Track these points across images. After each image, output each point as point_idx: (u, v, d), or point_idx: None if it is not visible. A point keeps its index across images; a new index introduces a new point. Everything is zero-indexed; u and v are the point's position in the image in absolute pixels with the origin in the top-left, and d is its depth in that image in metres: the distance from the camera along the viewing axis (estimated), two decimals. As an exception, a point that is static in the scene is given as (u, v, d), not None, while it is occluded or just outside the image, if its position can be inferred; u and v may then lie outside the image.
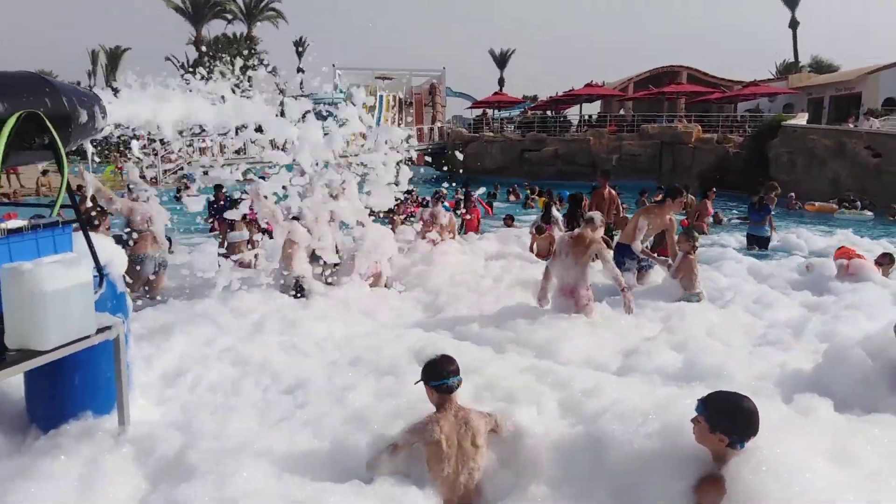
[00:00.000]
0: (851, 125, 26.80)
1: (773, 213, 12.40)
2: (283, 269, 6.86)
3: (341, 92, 51.77)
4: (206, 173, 7.27)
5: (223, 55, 50.16)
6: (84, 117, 3.09)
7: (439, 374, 3.11)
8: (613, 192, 11.25)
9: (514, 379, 4.20)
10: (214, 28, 55.97)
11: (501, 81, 67.57)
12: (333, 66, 55.56)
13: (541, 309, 6.02)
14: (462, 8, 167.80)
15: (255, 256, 8.23)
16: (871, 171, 21.37)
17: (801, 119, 28.65)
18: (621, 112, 36.64)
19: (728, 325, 6.01)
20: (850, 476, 2.77)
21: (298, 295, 6.62)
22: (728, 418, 2.61)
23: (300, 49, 65.76)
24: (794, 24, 51.50)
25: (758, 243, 11.83)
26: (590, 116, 36.68)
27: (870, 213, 17.85)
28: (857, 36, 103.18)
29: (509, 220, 14.03)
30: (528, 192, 21.58)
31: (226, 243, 8.53)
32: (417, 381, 3.16)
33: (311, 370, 4.38)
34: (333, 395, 3.84)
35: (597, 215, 6.31)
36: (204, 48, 52.42)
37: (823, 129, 25.69)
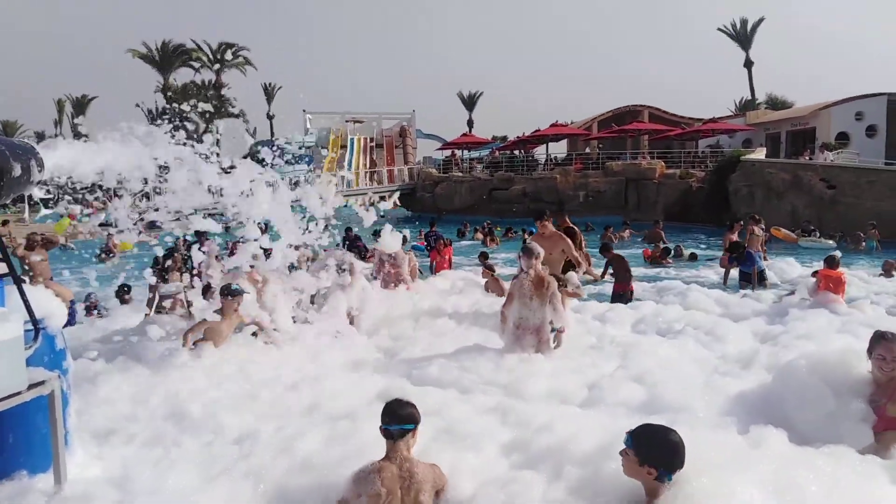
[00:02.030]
0: (807, 158, 27.74)
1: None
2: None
3: (311, 135, 51.69)
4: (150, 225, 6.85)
5: (191, 101, 50.55)
6: (18, 170, 3.06)
7: (385, 417, 3.05)
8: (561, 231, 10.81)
9: (475, 421, 4.18)
10: (183, 76, 56.28)
11: (470, 123, 68.85)
12: (304, 111, 56.25)
13: (505, 349, 6.02)
14: (431, 52, 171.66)
15: (189, 304, 7.55)
16: (827, 203, 22.08)
17: (760, 154, 29.62)
18: (587, 150, 37.45)
19: (680, 359, 6.07)
20: None
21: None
22: (655, 451, 2.63)
23: (269, 94, 66.35)
24: (748, 64, 53.55)
25: (748, 279, 11.11)
26: (555, 156, 37.38)
27: (831, 242, 18.33)
28: (808, 73, 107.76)
29: (483, 258, 14.09)
30: (487, 229, 21.62)
31: (156, 297, 7.77)
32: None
33: (261, 418, 4.29)
34: (280, 443, 3.76)
35: (535, 247, 6.25)
36: (171, 95, 52.55)
37: (780, 162, 26.57)
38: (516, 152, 38.76)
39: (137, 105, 54.61)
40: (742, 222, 13.69)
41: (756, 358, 5.87)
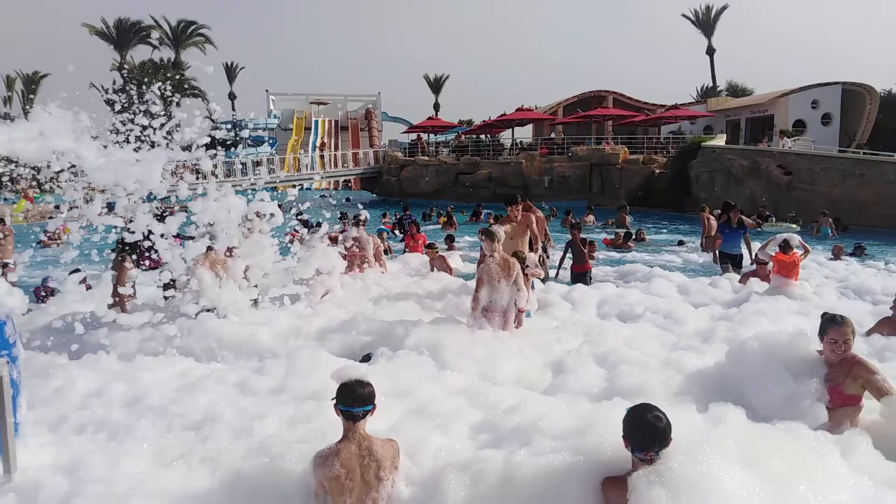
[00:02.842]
0: (765, 145, 28.38)
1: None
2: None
3: (275, 117, 50.84)
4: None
5: (150, 81, 48.94)
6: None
7: (346, 399, 3.04)
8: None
9: (445, 402, 4.21)
10: (140, 53, 54.57)
11: (437, 106, 68.38)
12: (266, 91, 55.14)
13: (474, 330, 6.07)
14: (397, 34, 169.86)
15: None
16: (784, 188, 22.66)
17: (720, 140, 30.20)
18: (552, 135, 37.63)
19: (641, 338, 6.22)
20: (756, 482, 2.85)
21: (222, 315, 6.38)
22: (629, 425, 2.81)
23: (231, 74, 64.75)
24: (710, 51, 54.33)
25: (732, 261, 11.02)
26: (521, 141, 37.48)
27: (796, 227, 18.82)
28: (767, 61, 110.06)
29: (450, 241, 14.13)
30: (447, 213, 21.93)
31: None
32: (333, 398, 3.09)
33: (224, 402, 4.20)
34: (240, 426, 3.70)
35: (497, 230, 6.40)
36: (127, 74, 50.88)
37: (739, 149, 27.12)
38: (482, 136, 38.70)
39: (93, 84, 52.63)
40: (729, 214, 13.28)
41: (713, 338, 5.99)
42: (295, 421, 3.86)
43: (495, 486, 2.96)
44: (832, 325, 3.99)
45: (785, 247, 8.85)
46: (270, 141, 47.68)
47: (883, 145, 29.16)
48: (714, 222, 14.27)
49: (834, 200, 20.94)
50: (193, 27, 55.17)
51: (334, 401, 3.09)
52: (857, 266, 12.23)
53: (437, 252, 10.69)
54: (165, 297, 6.58)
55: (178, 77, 50.68)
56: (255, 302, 6.86)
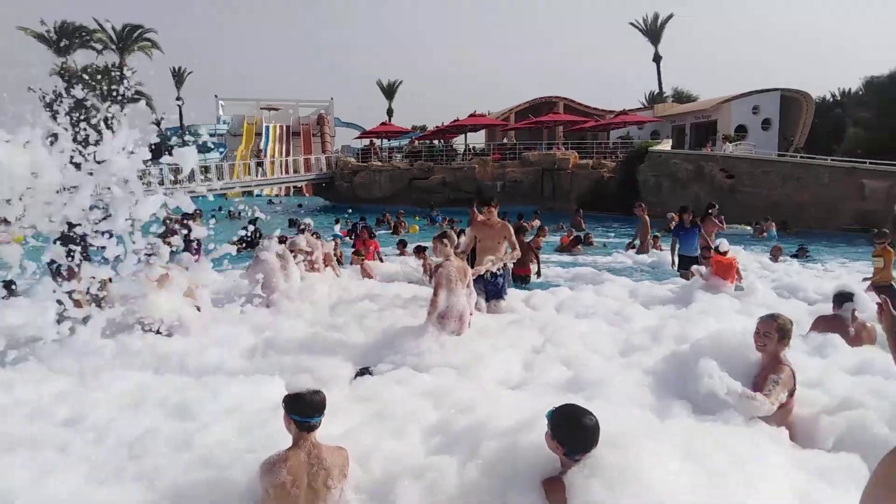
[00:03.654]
0: (709, 150, 29.28)
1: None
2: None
3: (224, 123, 49.80)
4: None
5: (95, 85, 47.25)
6: None
7: (303, 410, 2.98)
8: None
9: (406, 404, 4.21)
10: (83, 58, 52.60)
11: (390, 112, 68.19)
12: (216, 96, 53.99)
13: (430, 334, 6.03)
14: (349, 40, 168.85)
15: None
16: (727, 191, 23.41)
17: (666, 145, 31.04)
18: (504, 141, 37.99)
19: (596, 335, 6.36)
20: (696, 476, 2.90)
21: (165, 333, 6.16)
22: (564, 430, 2.76)
23: (178, 79, 63.19)
24: (657, 58, 55.84)
25: (689, 265, 10.63)
26: (474, 146, 37.70)
27: (749, 228, 19.40)
28: (711, 68, 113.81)
29: (402, 247, 14.05)
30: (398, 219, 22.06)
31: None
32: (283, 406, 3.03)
33: (164, 415, 4.06)
34: (180, 440, 3.57)
35: (451, 234, 6.46)
36: (69, 78, 49.01)
37: (684, 153, 27.92)
38: (436, 142, 38.78)
39: (30, 89, 50.54)
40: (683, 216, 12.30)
41: (662, 337, 6.12)
42: (242, 431, 3.75)
43: (444, 493, 2.94)
44: (759, 319, 4.16)
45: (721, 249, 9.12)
46: (220, 148, 46.76)
47: (818, 149, 30.47)
48: (648, 220, 14.80)
49: (774, 203, 21.74)
50: (139, 31, 53.59)
51: (285, 410, 3.02)
52: (798, 267, 12.68)
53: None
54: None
55: (122, 81, 49.14)
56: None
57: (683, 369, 4.59)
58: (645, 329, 6.60)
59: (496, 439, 3.27)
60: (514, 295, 8.81)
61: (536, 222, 21.64)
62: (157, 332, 6.10)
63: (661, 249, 14.21)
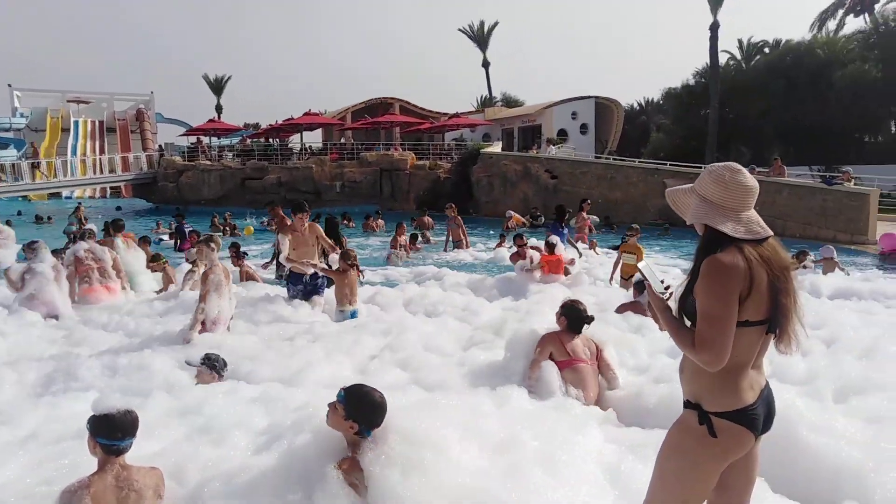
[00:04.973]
0: (535, 152, 31.27)
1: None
2: None
3: (22, 116, 44.11)
4: None
5: None
6: None
7: (112, 432, 2.68)
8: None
9: (231, 411, 4.04)
10: None
11: (219, 108, 64.41)
12: (9, 85, 47.37)
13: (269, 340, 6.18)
14: (169, 31, 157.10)
15: None
16: (551, 190, 25.16)
17: (497, 147, 32.64)
18: (342, 141, 37.60)
19: (440, 334, 6.49)
20: (499, 462, 3.08)
21: None
22: (360, 408, 2.86)
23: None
24: (486, 64, 58.44)
25: None
26: (311, 146, 36.90)
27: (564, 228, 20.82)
28: (536, 74, 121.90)
29: (235, 250, 13.28)
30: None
31: None
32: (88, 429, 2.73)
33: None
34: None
35: (219, 239, 6.69)
36: None
37: (513, 155, 29.61)
38: (270, 140, 37.35)
39: None
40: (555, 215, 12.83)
41: (504, 329, 6.38)
42: (40, 463, 3.34)
43: (257, 491, 2.86)
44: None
45: (550, 248, 9.79)
46: (16, 143, 41.18)
47: (629, 152, 33.84)
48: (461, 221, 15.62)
49: (592, 201, 23.72)
50: None
51: (90, 433, 2.72)
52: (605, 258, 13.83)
53: (162, 263, 10.22)
54: None
55: None
56: None
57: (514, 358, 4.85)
58: (488, 323, 6.84)
59: (307, 434, 3.22)
60: (360, 293, 8.80)
61: (381, 223, 21.74)
62: None
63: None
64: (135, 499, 2.68)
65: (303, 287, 8.00)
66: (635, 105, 51.96)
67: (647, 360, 5.24)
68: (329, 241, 8.47)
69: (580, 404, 4.07)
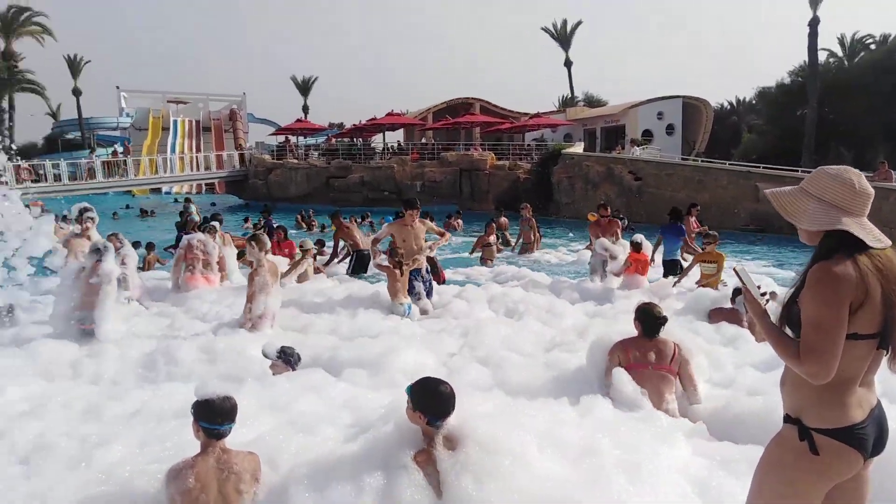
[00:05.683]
0: (618, 153, 30.53)
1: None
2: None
3: (128, 116, 47.10)
4: None
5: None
6: None
7: (213, 417, 2.88)
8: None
9: (319, 402, 4.18)
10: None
11: (306, 108, 66.75)
12: (117, 87, 50.91)
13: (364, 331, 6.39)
14: (261, 33, 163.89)
15: None
16: (634, 192, 24.49)
17: (578, 148, 32.08)
18: (423, 140, 38.03)
19: (521, 334, 6.45)
20: (582, 472, 3.04)
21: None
22: (424, 399, 2.98)
23: (74, 68, 59.13)
24: (568, 64, 57.62)
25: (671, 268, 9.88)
26: (392, 145, 37.55)
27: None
28: (620, 74, 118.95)
29: (321, 246, 13.71)
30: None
31: None
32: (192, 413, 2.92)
33: (65, 429, 3.76)
34: (77, 456, 3.33)
35: (266, 238, 6.99)
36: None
37: (595, 156, 29.00)
38: (354, 140, 38.31)
39: None
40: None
41: (587, 333, 6.27)
42: (147, 442, 3.56)
43: (332, 471, 2.97)
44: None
45: (637, 247, 9.48)
46: (122, 140, 44.22)
47: (718, 154, 32.45)
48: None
49: (677, 204, 22.82)
50: (27, 14, 49.70)
51: (193, 417, 2.91)
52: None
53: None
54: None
55: (9, 68, 45.45)
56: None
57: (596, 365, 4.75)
58: (572, 327, 6.74)
59: (390, 425, 3.28)
60: (445, 290, 8.97)
61: (460, 221, 21.86)
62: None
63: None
64: (234, 481, 2.83)
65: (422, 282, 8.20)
66: (725, 105, 49.78)
67: (733, 372, 5.00)
68: (438, 229, 8.83)
69: (666, 416, 3.95)
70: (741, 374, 4.92)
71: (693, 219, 12.00)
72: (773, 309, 2.23)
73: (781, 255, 15.93)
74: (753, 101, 45.67)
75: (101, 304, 6.10)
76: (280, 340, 5.52)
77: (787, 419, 2.15)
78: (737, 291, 6.42)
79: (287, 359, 5.02)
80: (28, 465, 3.30)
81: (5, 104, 45.10)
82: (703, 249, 8.97)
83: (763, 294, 2.22)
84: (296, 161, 33.30)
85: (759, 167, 23.08)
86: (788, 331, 2.13)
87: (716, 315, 6.53)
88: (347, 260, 11.81)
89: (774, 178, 21.58)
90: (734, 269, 2.32)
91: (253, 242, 6.70)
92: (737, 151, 37.85)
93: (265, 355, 5.05)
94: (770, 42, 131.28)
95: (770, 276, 11.13)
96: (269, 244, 6.83)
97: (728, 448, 3.52)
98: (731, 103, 50.52)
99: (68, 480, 3.03)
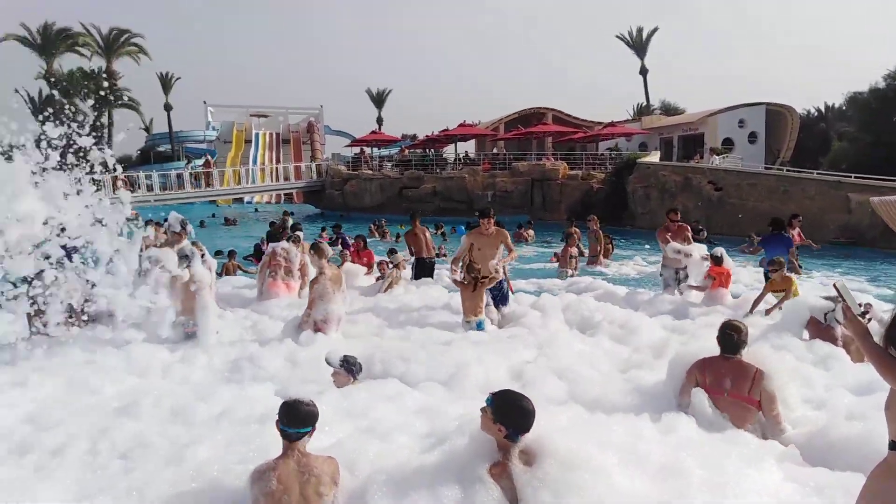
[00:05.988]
0: (697, 162, 29.56)
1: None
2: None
3: (214, 129, 49.58)
4: None
5: (79, 90, 46.80)
6: None
7: (283, 419, 3.02)
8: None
9: (396, 411, 4.26)
10: (69, 62, 52.12)
11: (380, 120, 68.26)
12: (204, 102, 53.69)
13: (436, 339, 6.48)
14: (338, 47, 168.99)
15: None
16: (715, 203, 23.61)
17: (654, 157, 31.28)
18: (494, 150, 38.06)
19: (598, 348, 6.40)
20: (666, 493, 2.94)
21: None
22: (507, 412, 2.94)
23: (166, 85, 62.77)
24: (643, 71, 56.35)
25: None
26: (464, 155, 37.78)
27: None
28: (697, 82, 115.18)
29: (392, 254, 13.88)
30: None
31: None
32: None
33: (154, 428, 3.98)
34: (171, 453, 3.52)
35: (325, 247, 7.17)
36: (55, 81, 48.61)
37: (672, 165, 28.15)
38: (426, 151, 38.81)
39: (17, 91, 50.01)
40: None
41: (666, 350, 6.09)
42: (233, 443, 3.72)
43: (408, 480, 3.01)
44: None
45: (717, 260, 9.13)
46: (208, 153, 46.54)
47: (805, 163, 30.83)
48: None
49: (760, 215, 21.86)
50: (126, 36, 53.27)
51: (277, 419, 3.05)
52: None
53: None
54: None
55: (110, 87, 48.75)
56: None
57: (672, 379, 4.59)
58: (648, 343, 6.57)
59: (465, 437, 3.28)
60: (519, 299, 9.05)
61: (531, 232, 21.72)
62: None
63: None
64: (314, 483, 2.92)
65: (489, 292, 8.23)
66: (812, 111, 47.30)
67: (825, 395, 4.70)
68: (510, 245, 8.68)
69: (755, 438, 3.76)
70: (834, 396, 4.62)
71: (796, 231, 11.07)
72: (875, 329, 2.11)
73: (874, 269, 14.95)
74: (843, 107, 43.16)
75: (201, 309, 6.49)
76: (350, 347, 5.64)
77: (893, 446, 2.02)
78: (829, 308, 6.04)
79: (349, 368, 5.08)
80: (127, 459, 3.50)
81: (105, 119, 48.32)
82: (768, 278, 8.31)
83: (865, 313, 2.10)
84: (370, 172, 34.05)
85: (850, 177, 21.78)
86: (894, 352, 2.00)
87: (812, 331, 6.13)
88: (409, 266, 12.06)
89: (869, 189, 20.32)
90: (834, 285, 2.21)
91: (314, 251, 6.94)
92: (825, 160, 35.81)
93: (328, 363, 5.12)
94: (861, 46, 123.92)
95: (865, 293, 10.49)
96: (329, 252, 7.07)
97: (823, 474, 3.32)
98: (818, 110, 47.99)
99: (162, 476, 3.21)
